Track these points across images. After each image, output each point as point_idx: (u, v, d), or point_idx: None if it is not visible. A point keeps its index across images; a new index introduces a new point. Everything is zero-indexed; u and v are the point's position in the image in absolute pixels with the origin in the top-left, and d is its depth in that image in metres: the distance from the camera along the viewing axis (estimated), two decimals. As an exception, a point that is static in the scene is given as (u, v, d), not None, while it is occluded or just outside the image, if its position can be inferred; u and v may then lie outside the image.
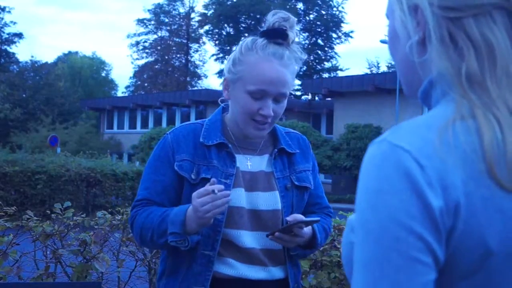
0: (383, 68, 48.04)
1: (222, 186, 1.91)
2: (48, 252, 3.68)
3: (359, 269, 0.89)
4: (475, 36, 0.94)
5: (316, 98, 37.01)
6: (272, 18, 2.05)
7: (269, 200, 2.08)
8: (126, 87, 54.67)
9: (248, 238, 2.05)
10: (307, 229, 2.05)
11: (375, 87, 24.72)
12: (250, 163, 2.11)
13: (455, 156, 0.89)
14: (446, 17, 0.95)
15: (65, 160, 13.49)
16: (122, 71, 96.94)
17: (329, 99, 29.71)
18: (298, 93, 45.90)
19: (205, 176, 2.03)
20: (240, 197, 2.05)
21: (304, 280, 3.34)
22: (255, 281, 2.06)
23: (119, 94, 56.41)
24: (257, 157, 2.13)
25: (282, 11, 2.08)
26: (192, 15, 50.55)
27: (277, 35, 2.03)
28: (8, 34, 45.41)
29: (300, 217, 2.00)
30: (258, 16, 42.46)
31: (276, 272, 2.10)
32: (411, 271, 0.86)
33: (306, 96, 42.65)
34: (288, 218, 1.99)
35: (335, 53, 45.78)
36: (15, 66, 44.89)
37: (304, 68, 45.75)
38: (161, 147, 2.11)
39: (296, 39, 2.08)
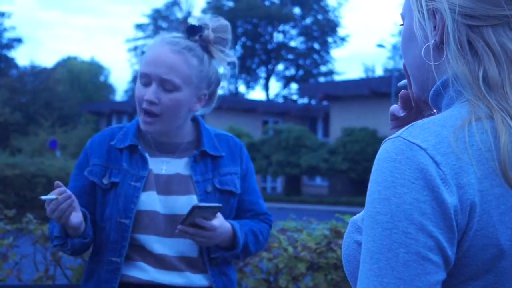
0: (379, 72, 48.06)
1: (64, 189, 1.85)
2: (47, 254, 3.70)
3: (365, 260, 0.88)
4: (493, 44, 0.95)
5: (313, 102, 36.96)
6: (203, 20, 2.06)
7: (186, 204, 1.97)
8: (125, 91, 54.62)
9: (158, 245, 1.97)
10: (221, 224, 1.94)
11: (371, 91, 24.72)
12: (165, 166, 2.03)
13: (470, 154, 0.89)
14: (466, 24, 0.96)
15: (65, 164, 13.47)
16: (121, 76, 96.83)
17: (325, 102, 29.69)
18: (295, 97, 45.82)
19: (114, 180, 1.99)
20: (151, 201, 1.97)
21: (301, 282, 3.36)
22: (170, 286, 1.97)
23: (118, 98, 56.29)
24: (175, 160, 2.04)
25: (216, 18, 2.08)
26: (190, 20, 50.43)
27: (191, 32, 2.03)
28: (8, 39, 45.32)
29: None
30: (255, 21, 42.40)
31: (196, 279, 2.00)
32: (418, 268, 0.85)
33: (302, 100, 42.58)
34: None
35: (332, 57, 45.73)
36: (14, 71, 44.80)
37: (301, 72, 45.70)
38: (80, 155, 2.09)
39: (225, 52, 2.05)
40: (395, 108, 1.19)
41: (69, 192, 1.85)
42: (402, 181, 0.87)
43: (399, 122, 1.19)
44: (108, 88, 57.22)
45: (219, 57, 2.04)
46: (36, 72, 42.95)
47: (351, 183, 23.97)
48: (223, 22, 2.05)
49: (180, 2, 50.37)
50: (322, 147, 24.35)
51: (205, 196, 2.00)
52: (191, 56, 1.98)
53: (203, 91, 2.03)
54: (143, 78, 1.95)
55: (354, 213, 1.21)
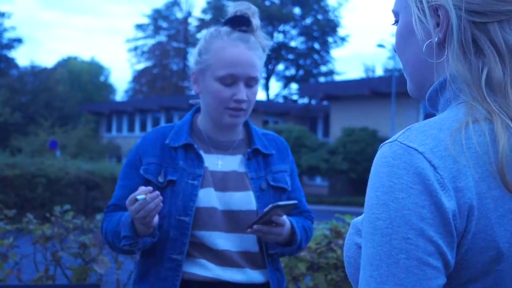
0: (379, 72, 48.07)
1: (150, 188, 1.86)
2: (47, 254, 3.72)
3: (365, 266, 0.87)
4: (499, 41, 0.93)
5: (313, 102, 36.98)
6: (233, 8, 2.06)
7: (243, 200, 2.02)
8: (125, 91, 54.67)
9: (221, 240, 1.99)
10: (287, 221, 1.98)
11: (371, 91, 24.75)
12: (221, 162, 2.06)
13: (468, 157, 0.88)
14: (471, 21, 0.94)
15: (65, 164, 13.48)
16: (122, 76, 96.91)
17: (325, 102, 29.71)
18: (295, 97, 45.83)
19: (171, 178, 2.00)
20: (209, 198, 2.00)
21: (301, 282, 3.36)
22: (232, 283, 1.99)
23: (118, 98, 56.31)
24: (229, 156, 2.08)
25: (243, 2, 2.07)
26: (190, 20, 50.55)
27: (240, 22, 2.03)
28: (8, 39, 45.35)
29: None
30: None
31: (255, 276, 2.03)
32: (419, 274, 0.84)
33: (303, 100, 42.58)
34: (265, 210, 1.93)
35: (332, 57, 45.73)
36: (15, 71, 44.83)
37: (301, 72, 45.70)
38: (130, 154, 2.10)
39: (264, 37, 2.08)
40: None
41: (157, 192, 1.85)
42: (400, 186, 0.87)
43: None
44: (108, 88, 57.28)
45: (265, 44, 2.09)
46: (36, 72, 43.00)
47: (351, 183, 23.99)
48: (254, 7, 2.09)
49: (180, 2, 50.42)
50: (322, 147, 24.37)
51: (261, 193, 2.04)
52: (260, 50, 2.05)
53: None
54: (228, 79, 1.99)
55: (354, 213, 1.20)
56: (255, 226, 1.92)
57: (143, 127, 37.19)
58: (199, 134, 2.10)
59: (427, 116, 1.08)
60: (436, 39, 0.97)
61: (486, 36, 0.94)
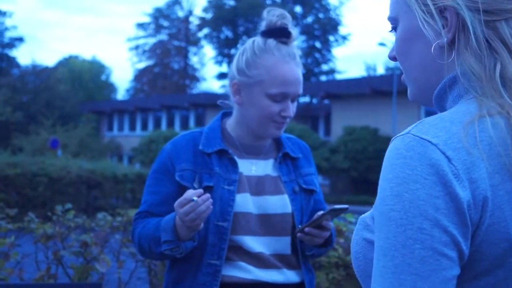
0: (380, 71, 48.01)
1: (201, 191, 1.85)
2: (49, 253, 3.71)
3: (379, 257, 0.88)
4: (508, 38, 0.95)
5: (314, 100, 36.96)
6: (271, 16, 2.05)
7: (278, 203, 2.04)
8: (127, 90, 54.69)
9: (255, 244, 2.01)
10: (332, 225, 2.02)
11: (372, 90, 24.74)
12: (255, 167, 2.08)
13: (481, 149, 0.89)
14: (482, 20, 0.96)
15: (66, 163, 13.49)
16: (123, 75, 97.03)
17: (326, 101, 29.69)
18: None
19: (208, 184, 2.00)
20: (246, 203, 2.01)
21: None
22: (271, 284, 2.01)
23: (119, 97, 56.30)
24: (262, 161, 2.10)
25: (276, 8, 2.07)
26: (191, 18, 50.55)
27: (282, 34, 2.04)
28: (9, 38, 45.38)
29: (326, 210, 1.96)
30: (256, 20, 42.38)
31: (292, 276, 2.05)
32: (435, 264, 0.84)
33: (304, 99, 42.56)
34: (319, 213, 1.96)
35: (333, 56, 45.71)
36: (16, 70, 44.87)
37: (302, 70, 45.63)
38: (160, 159, 2.08)
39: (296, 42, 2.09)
40: None
41: (207, 194, 1.85)
42: (414, 177, 0.87)
43: None
44: (110, 87, 57.32)
45: (298, 53, 2.09)
46: (37, 71, 43.06)
47: (353, 182, 23.99)
48: (288, 15, 2.09)
49: (181, 1, 50.41)
50: (323, 146, 24.38)
51: (294, 196, 2.07)
52: (301, 64, 2.09)
53: None
54: (279, 96, 2.01)
55: (356, 212, 1.20)
56: (306, 229, 1.94)
57: (144, 126, 37.21)
58: (230, 140, 2.11)
59: (429, 113, 1.08)
60: (445, 39, 0.98)
61: (495, 34, 0.96)
